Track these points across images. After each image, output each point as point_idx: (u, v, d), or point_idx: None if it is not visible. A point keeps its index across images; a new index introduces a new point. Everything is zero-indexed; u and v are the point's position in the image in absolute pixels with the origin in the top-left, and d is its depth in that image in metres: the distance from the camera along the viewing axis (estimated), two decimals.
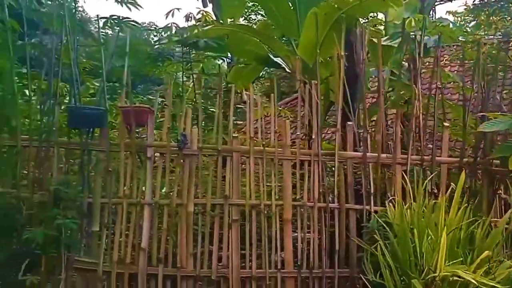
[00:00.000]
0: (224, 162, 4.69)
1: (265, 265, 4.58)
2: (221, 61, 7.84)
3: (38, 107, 4.86)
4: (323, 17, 5.24)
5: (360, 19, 5.99)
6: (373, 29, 6.54)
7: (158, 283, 4.45)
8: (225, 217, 4.60)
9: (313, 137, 4.76)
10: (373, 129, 5.24)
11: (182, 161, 4.62)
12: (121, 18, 5.06)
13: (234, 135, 4.70)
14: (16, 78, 4.86)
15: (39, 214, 4.41)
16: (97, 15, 4.85)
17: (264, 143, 4.72)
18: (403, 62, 5.56)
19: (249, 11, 11.99)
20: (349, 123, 4.87)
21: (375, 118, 5.44)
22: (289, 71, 6.24)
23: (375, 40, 5.49)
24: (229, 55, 7.36)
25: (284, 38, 7.05)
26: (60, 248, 4.38)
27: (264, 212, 4.64)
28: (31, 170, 4.65)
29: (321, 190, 4.73)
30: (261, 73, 8.57)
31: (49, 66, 4.78)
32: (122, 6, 5.17)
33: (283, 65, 6.16)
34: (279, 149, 4.70)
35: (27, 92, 5.09)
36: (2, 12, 4.98)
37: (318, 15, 5.10)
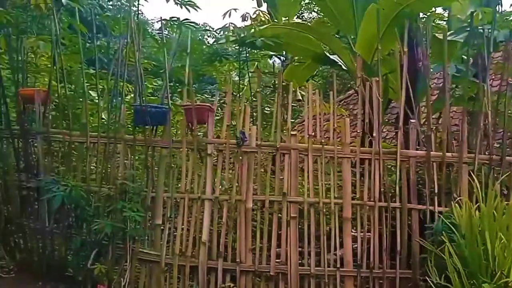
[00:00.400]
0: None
1: (323, 263, 4.55)
2: (274, 60, 7.86)
3: (105, 105, 5.11)
4: (382, 13, 5.13)
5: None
6: (433, 24, 6.34)
7: (217, 276, 4.55)
8: (284, 214, 4.62)
9: (374, 135, 4.67)
10: (434, 127, 5.06)
11: (240, 158, 4.70)
12: (181, 19, 5.21)
13: (292, 132, 4.71)
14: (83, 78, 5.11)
15: (107, 206, 4.66)
16: (160, 17, 5.03)
17: (323, 141, 4.69)
18: (465, 57, 5.33)
19: (302, 9, 11.95)
20: (412, 121, 4.74)
21: (435, 116, 5.26)
22: (346, 68, 6.16)
23: (437, 35, 5.31)
24: (283, 53, 7.36)
25: (340, 36, 6.97)
26: (126, 240, 4.61)
27: (322, 210, 4.62)
28: (99, 165, 4.90)
29: (382, 189, 4.63)
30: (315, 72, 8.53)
31: (115, 67, 5.02)
32: (181, 8, 5.31)
33: (339, 63, 6.09)
34: (339, 147, 4.66)
35: (91, 91, 5.39)
36: (73, 18, 5.31)
37: (377, 11, 4.99)
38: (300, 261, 4.60)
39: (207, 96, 6.14)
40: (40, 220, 4.85)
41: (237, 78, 7.12)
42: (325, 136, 4.80)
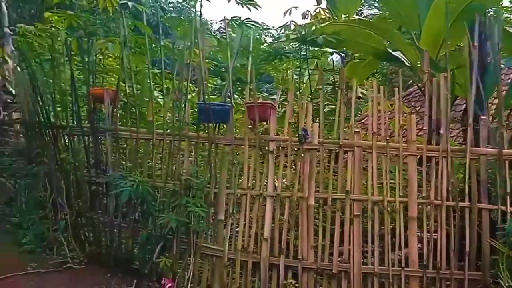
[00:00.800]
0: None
1: (388, 262, 4.47)
2: (334, 57, 7.80)
3: (170, 104, 5.27)
4: (449, 8, 4.97)
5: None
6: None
7: (279, 273, 4.57)
8: (346, 212, 4.57)
9: (441, 132, 4.52)
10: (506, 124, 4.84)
11: (302, 155, 4.69)
12: (242, 19, 5.30)
13: (355, 129, 4.66)
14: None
15: (171, 202, 4.79)
16: (224, 17, 5.12)
17: (387, 138, 4.61)
18: None
19: (362, 6, 11.76)
20: (483, 117, 4.55)
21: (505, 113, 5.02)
22: (408, 64, 6.01)
23: (508, 28, 5.08)
24: (343, 51, 7.28)
25: (402, 31, 6.80)
26: (190, 234, 4.72)
27: (387, 209, 4.53)
28: (164, 161, 5.05)
29: (449, 188, 4.48)
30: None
31: (179, 67, 5.16)
32: (242, 7, 5.40)
33: (402, 59, 5.95)
34: (404, 144, 4.56)
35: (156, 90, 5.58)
36: (136, 20, 5.52)
37: (446, 5, 4.84)
38: (362, 260, 4.54)
39: (266, 94, 6.18)
40: (108, 214, 5.07)
41: (295, 76, 7.14)
42: (391, 135, 4.70)
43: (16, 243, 5.59)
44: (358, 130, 4.68)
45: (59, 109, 5.46)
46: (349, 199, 4.56)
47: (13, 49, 8.22)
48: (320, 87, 5.04)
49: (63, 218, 5.39)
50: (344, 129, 4.71)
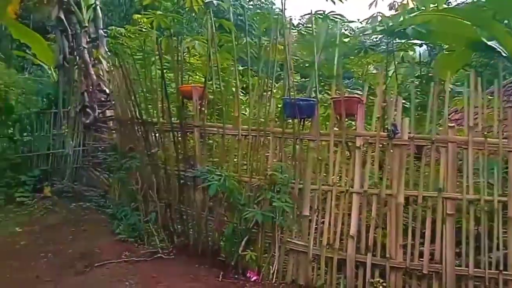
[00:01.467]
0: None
1: (483, 265, 4.20)
2: (420, 49, 7.45)
3: (255, 100, 5.33)
4: None
5: None
6: None
7: (366, 271, 4.47)
8: (438, 211, 4.36)
9: None
10: None
11: (391, 151, 4.55)
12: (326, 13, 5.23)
13: (449, 124, 4.42)
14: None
15: (257, 196, 4.86)
16: (311, 10, 5.09)
17: (485, 133, 4.32)
18: None
19: None
20: None
21: None
22: (505, 55, 5.58)
23: None
24: (431, 42, 6.91)
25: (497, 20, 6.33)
26: (275, 229, 4.77)
27: (483, 208, 4.26)
28: (249, 156, 5.14)
29: None
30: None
31: (263, 63, 5.21)
32: (326, 0, 5.33)
33: (499, 49, 5.54)
34: (504, 140, 4.25)
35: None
36: (226, 20, 5.65)
37: None
38: (456, 262, 4.32)
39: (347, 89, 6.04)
40: (196, 207, 5.26)
41: (375, 71, 6.93)
42: (490, 131, 4.41)
43: (110, 233, 6.00)
44: (452, 125, 4.44)
45: (150, 106, 5.75)
46: (441, 197, 4.35)
47: (106, 50, 8.83)
48: (412, 80, 4.84)
49: (154, 210, 5.70)
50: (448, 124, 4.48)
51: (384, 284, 4.40)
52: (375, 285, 4.40)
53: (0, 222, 6.50)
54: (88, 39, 8.94)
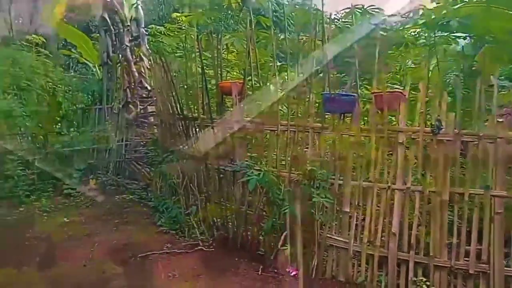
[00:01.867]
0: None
1: None
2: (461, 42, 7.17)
3: (294, 95, 5.32)
4: None
5: None
6: None
7: (408, 269, 4.38)
8: (486, 209, 4.21)
9: None
10: None
11: (436, 147, 4.41)
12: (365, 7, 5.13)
13: (498, 119, 4.24)
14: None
15: (296, 191, 4.84)
16: (351, 4, 5.01)
17: None
18: None
19: None
20: None
21: None
22: None
23: None
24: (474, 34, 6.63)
25: None
26: (314, 225, 4.74)
27: None
28: (288, 151, 5.13)
29: None
30: None
31: (302, 58, 5.18)
32: None
33: None
34: None
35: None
36: (265, 17, 5.65)
37: None
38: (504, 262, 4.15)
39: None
40: (236, 201, 5.31)
41: (413, 66, 6.75)
42: None
43: (153, 224, 6.17)
44: (501, 120, 4.26)
45: (190, 102, 5.85)
46: (489, 195, 4.19)
47: (147, 48, 9.03)
48: (456, 74, 4.68)
49: (194, 203, 5.80)
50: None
51: (428, 283, 4.29)
52: (418, 283, 4.30)
53: (49, 213, 6.79)
54: (130, 38, 9.16)
